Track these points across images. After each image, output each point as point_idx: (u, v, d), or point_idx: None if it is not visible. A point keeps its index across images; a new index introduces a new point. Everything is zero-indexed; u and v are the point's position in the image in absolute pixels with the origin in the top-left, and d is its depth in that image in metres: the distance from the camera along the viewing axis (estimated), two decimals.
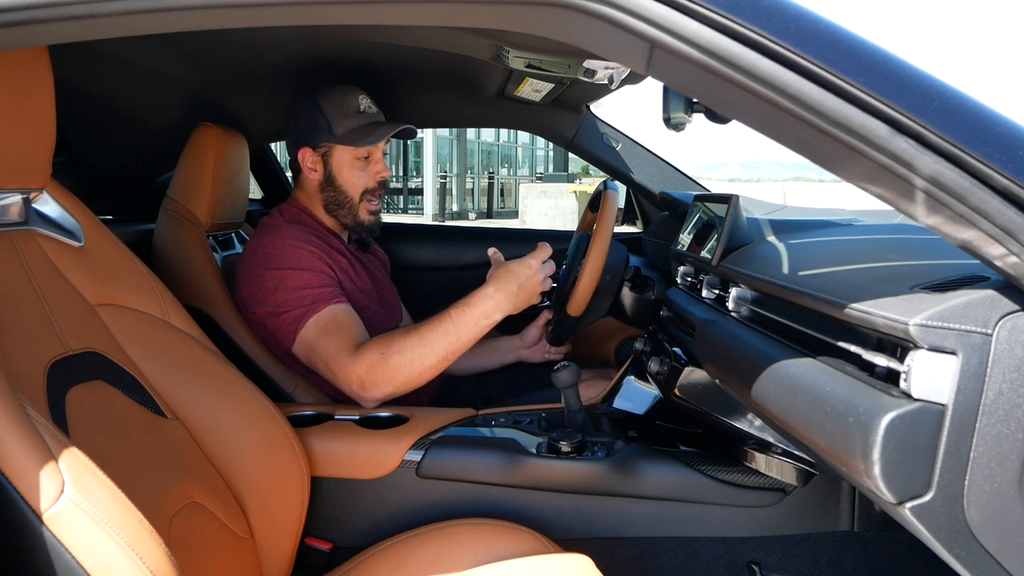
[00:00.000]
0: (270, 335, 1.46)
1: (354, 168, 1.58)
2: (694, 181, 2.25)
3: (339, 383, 1.36)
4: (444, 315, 1.36)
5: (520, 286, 1.38)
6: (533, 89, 1.81)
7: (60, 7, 0.67)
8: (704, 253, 1.24)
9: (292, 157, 1.64)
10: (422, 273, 2.31)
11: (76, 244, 1.04)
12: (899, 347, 0.67)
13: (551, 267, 1.44)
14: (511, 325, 2.27)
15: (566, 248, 1.86)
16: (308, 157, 1.59)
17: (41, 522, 0.66)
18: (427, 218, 15.72)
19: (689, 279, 1.35)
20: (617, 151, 2.22)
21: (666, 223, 2.12)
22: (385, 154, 1.64)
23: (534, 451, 1.24)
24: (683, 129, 0.92)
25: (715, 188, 2.79)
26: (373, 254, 1.86)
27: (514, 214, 16.41)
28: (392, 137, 1.61)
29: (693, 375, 1.18)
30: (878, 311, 0.68)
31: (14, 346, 0.83)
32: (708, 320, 1.12)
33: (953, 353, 0.62)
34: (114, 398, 0.96)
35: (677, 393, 1.22)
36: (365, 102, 1.58)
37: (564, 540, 1.16)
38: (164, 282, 1.14)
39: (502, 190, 19.80)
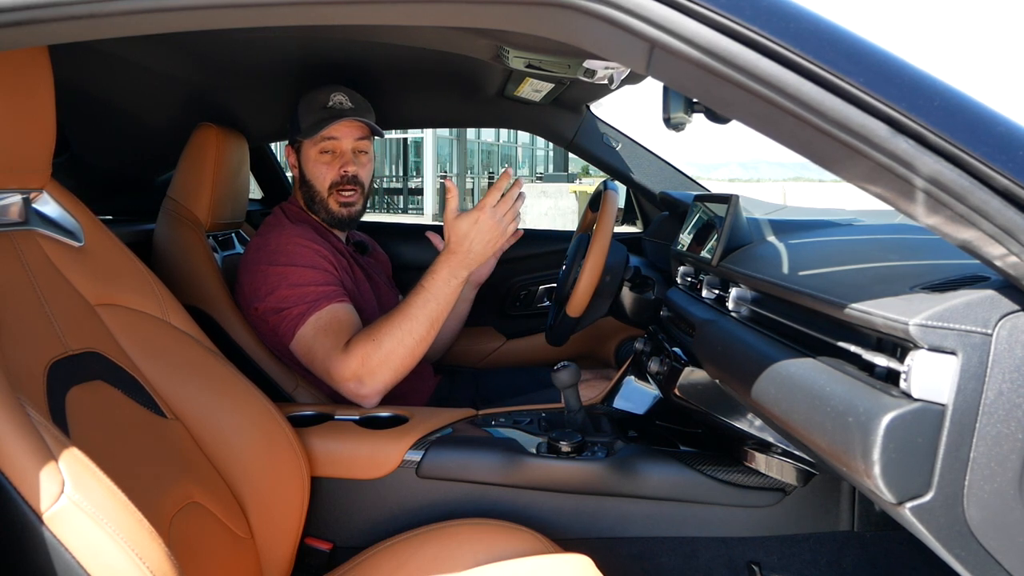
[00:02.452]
0: (271, 332, 1.46)
1: (319, 162, 1.58)
2: (694, 181, 2.25)
3: (335, 382, 1.36)
4: (416, 288, 1.38)
5: (473, 239, 1.36)
6: (533, 89, 1.81)
7: (60, 7, 0.66)
8: (704, 253, 1.24)
9: None
10: (423, 273, 2.30)
11: (76, 244, 1.04)
12: (899, 347, 0.67)
13: (509, 201, 1.37)
14: (512, 326, 2.27)
15: (565, 248, 1.86)
16: (289, 154, 1.65)
17: (41, 522, 0.66)
18: (427, 218, 15.71)
19: (689, 279, 1.35)
20: (617, 151, 2.21)
21: (666, 223, 2.12)
22: (363, 151, 1.61)
23: (534, 451, 1.24)
24: (683, 129, 0.92)
25: (715, 188, 2.78)
26: (374, 257, 1.86)
27: None
28: (373, 134, 1.60)
29: (693, 375, 1.18)
30: (878, 311, 0.67)
31: (14, 346, 0.83)
32: (708, 320, 1.12)
33: (953, 353, 0.62)
34: (114, 398, 0.96)
35: (677, 393, 1.22)
36: (337, 98, 1.57)
37: (564, 540, 1.16)
38: (164, 282, 1.14)
39: None
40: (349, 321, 1.41)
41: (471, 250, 1.37)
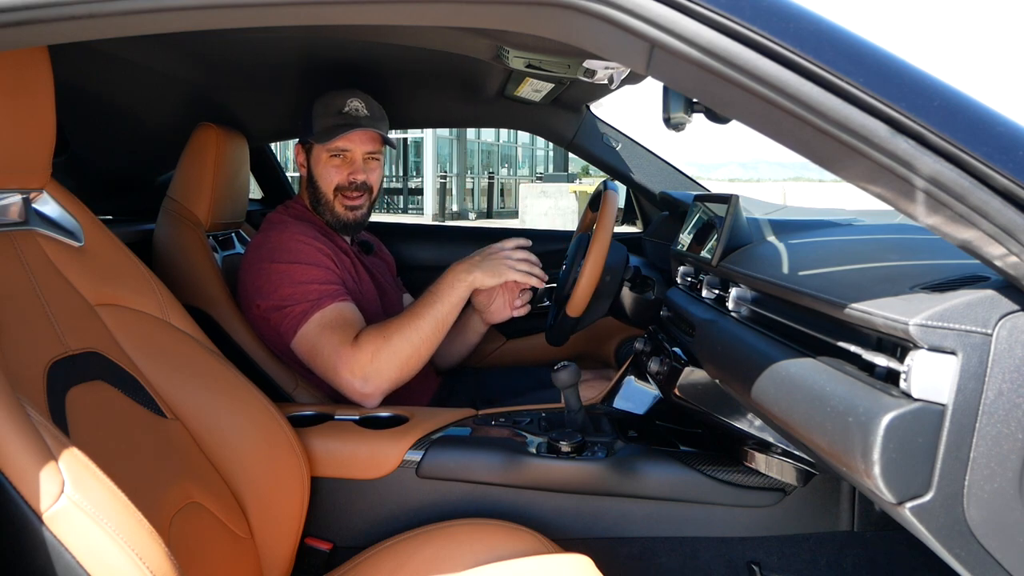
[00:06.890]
0: (272, 330, 1.46)
1: (328, 165, 1.58)
2: (694, 181, 2.25)
3: (340, 379, 1.36)
4: (423, 294, 1.44)
5: (483, 256, 1.47)
6: (533, 89, 1.81)
7: (60, 7, 0.67)
8: (704, 253, 1.24)
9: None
10: (423, 273, 2.30)
11: (76, 244, 1.04)
12: (899, 347, 0.67)
13: (525, 253, 1.50)
14: (512, 326, 2.27)
15: (565, 248, 1.86)
16: (299, 153, 1.64)
17: (41, 522, 0.66)
18: (427, 218, 15.71)
19: (689, 279, 1.35)
20: (617, 151, 2.21)
21: (666, 223, 2.12)
22: (374, 157, 1.61)
23: (534, 451, 1.24)
24: (683, 129, 0.92)
25: (715, 188, 2.78)
26: (380, 257, 1.86)
27: (514, 214, 16.40)
28: (386, 143, 1.61)
29: (693, 375, 1.18)
30: (878, 311, 0.67)
31: (14, 346, 0.83)
32: (708, 320, 1.12)
33: (953, 353, 0.62)
34: (114, 398, 0.96)
35: (677, 393, 1.22)
36: (353, 104, 1.56)
37: (564, 540, 1.16)
38: (164, 282, 1.14)
39: (502, 190, 19.79)
40: (354, 319, 1.42)
41: (478, 261, 1.45)
